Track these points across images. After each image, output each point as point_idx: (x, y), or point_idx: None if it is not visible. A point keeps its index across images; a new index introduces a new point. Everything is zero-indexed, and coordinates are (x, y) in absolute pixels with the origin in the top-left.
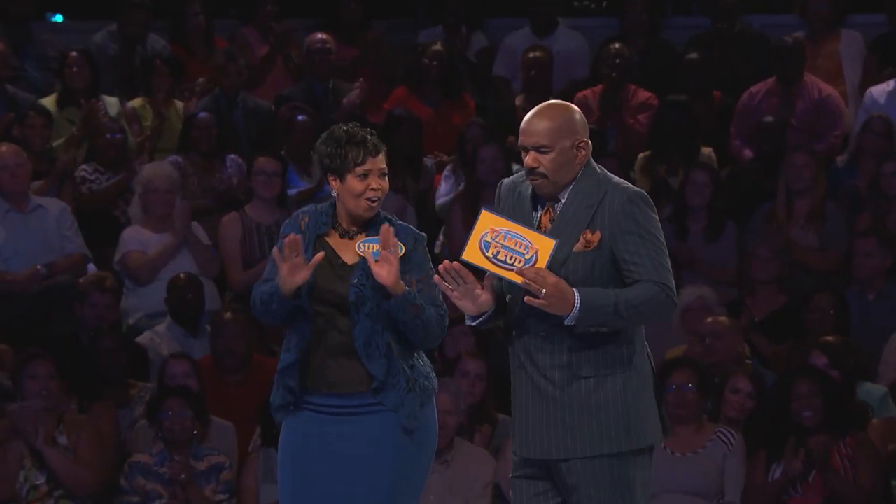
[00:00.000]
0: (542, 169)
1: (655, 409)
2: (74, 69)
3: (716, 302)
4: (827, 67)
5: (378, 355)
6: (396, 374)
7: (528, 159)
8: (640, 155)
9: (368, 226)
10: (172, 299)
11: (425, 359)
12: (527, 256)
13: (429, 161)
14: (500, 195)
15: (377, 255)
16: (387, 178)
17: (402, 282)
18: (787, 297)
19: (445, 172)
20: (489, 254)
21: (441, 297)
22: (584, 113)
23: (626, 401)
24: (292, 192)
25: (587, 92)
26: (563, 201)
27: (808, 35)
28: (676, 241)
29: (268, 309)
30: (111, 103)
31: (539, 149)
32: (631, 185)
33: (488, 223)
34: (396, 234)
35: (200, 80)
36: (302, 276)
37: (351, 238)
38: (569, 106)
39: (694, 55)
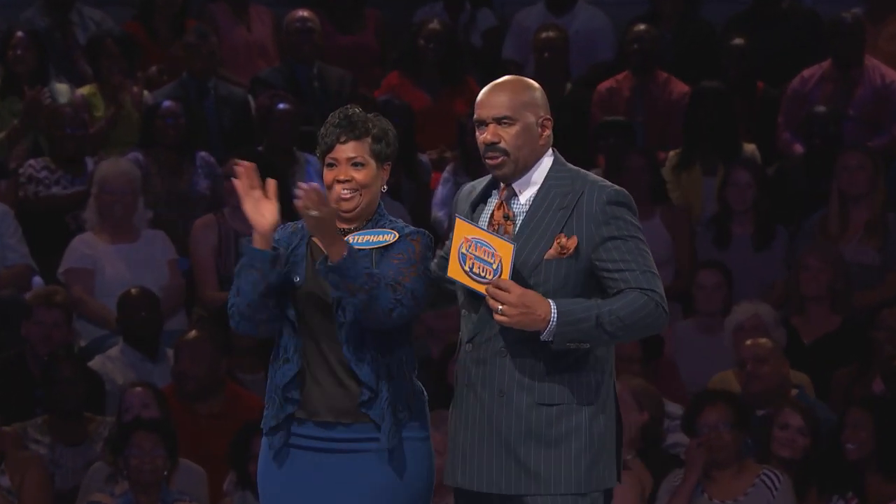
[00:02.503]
0: (503, 144)
1: (618, 447)
2: (18, 52)
3: (774, 321)
4: (890, 49)
5: (369, 358)
6: (380, 383)
7: (487, 134)
8: (672, 152)
9: (368, 225)
10: (124, 318)
11: (415, 378)
12: (493, 266)
13: (424, 158)
14: (458, 199)
15: (367, 244)
16: (363, 168)
17: (339, 239)
18: (842, 317)
19: (445, 175)
20: (466, 267)
21: (410, 284)
22: (609, 104)
23: (591, 435)
24: None
25: (611, 82)
26: (523, 196)
27: (867, 12)
28: (716, 250)
29: (248, 289)
30: (61, 91)
31: (500, 120)
32: (609, 184)
33: (462, 232)
34: (394, 229)
35: (153, 67)
36: (270, 209)
37: (344, 235)
38: (529, 80)
39: (734, 37)
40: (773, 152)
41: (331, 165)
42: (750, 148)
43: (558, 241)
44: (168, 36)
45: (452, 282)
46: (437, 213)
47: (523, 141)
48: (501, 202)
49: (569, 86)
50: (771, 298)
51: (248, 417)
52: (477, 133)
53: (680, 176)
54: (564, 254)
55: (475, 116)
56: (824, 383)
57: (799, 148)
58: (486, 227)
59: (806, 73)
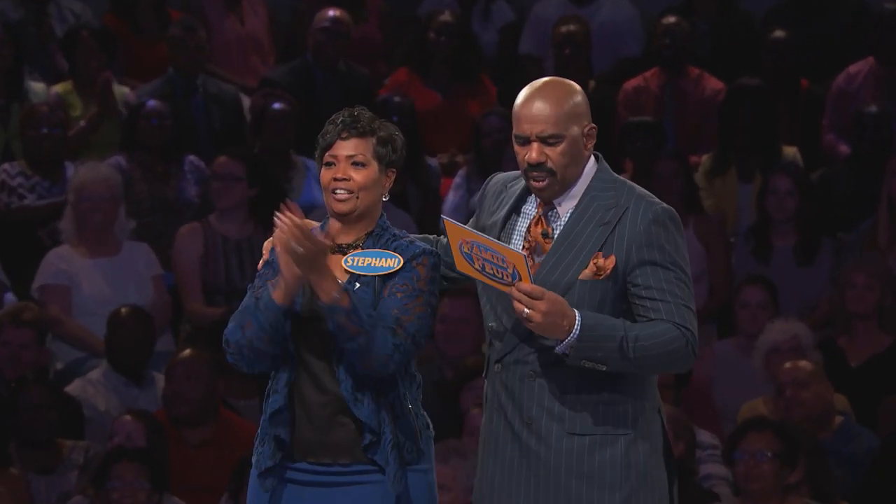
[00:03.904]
0: (550, 164)
1: (665, 484)
2: None
3: (812, 343)
4: None
5: (367, 399)
6: (383, 424)
7: (533, 153)
8: (705, 156)
9: (368, 241)
10: (113, 341)
11: (420, 411)
12: (509, 270)
13: (433, 161)
14: (486, 193)
15: (369, 269)
16: (363, 169)
17: (335, 284)
18: (892, 337)
19: (456, 180)
20: (477, 267)
21: (413, 325)
22: (636, 103)
23: (628, 467)
24: None
25: (638, 79)
26: (563, 209)
27: None
28: (754, 264)
29: (251, 332)
30: (37, 90)
31: (546, 139)
32: (657, 200)
33: (457, 235)
34: (398, 251)
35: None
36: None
37: (343, 253)
38: (571, 84)
39: (775, 29)
40: (817, 156)
41: (329, 164)
42: (791, 151)
43: (595, 260)
44: (152, 29)
45: (463, 276)
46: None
47: (570, 158)
48: (539, 217)
49: (592, 83)
50: (814, 317)
51: (241, 448)
52: (517, 147)
53: (714, 182)
54: (601, 275)
55: (515, 131)
56: (871, 409)
57: (845, 151)
58: (495, 239)
59: (852, 69)
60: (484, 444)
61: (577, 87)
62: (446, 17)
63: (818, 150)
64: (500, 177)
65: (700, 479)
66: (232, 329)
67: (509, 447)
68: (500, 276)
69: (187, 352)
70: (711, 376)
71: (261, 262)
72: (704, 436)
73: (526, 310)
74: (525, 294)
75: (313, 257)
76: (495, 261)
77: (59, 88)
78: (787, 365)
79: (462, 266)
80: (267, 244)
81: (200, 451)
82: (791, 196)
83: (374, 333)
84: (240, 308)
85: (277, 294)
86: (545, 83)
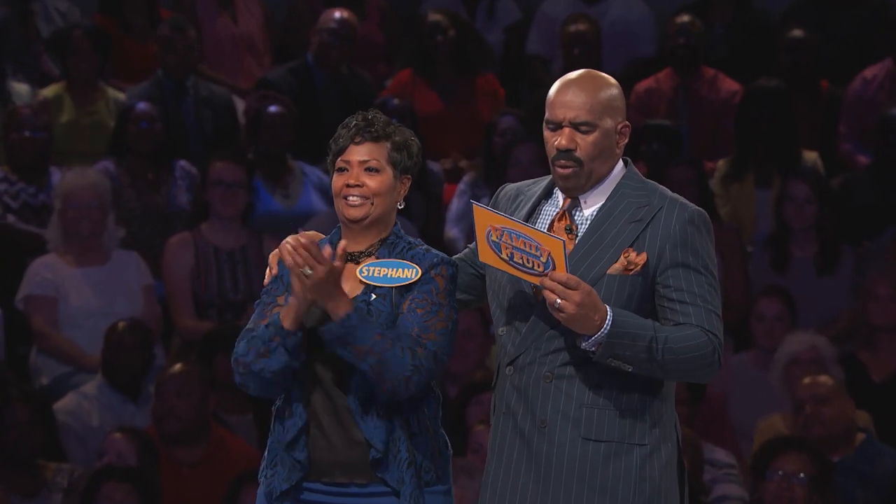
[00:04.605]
0: (578, 153)
1: (678, 496)
2: None
3: (834, 356)
4: None
5: (376, 416)
6: (398, 442)
7: (563, 139)
8: (721, 161)
9: (382, 249)
10: (110, 356)
11: (440, 429)
12: (542, 259)
13: (435, 166)
14: (497, 202)
15: (385, 280)
16: (378, 175)
17: (342, 297)
18: None
19: (461, 186)
20: (504, 256)
21: (435, 343)
22: (648, 106)
23: (642, 480)
24: None
25: (650, 81)
26: (588, 205)
27: None
28: (773, 274)
29: (264, 359)
30: (20, 91)
31: (579, 126)
32: (688, 202)
33: (486, 220)
34: (414, 260)
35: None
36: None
37: (356, 262)
38: (609, 77)
39: (793, 27)
40: (838, 161)
41: (341, 170)
42: (811, 156)
43: (626, 255)
44: (142, 29)
45: (483, 268)
46: (452, 232)
47: (600, 151)
48: (563, 212)
49: None
50: (834, 330)
51: (234, 466)
52: (547, 133)
53: (730, 189)
54: (631, 270)
55: (548, 116)
56: (894, 427)
57: (862, 161)
58: (521, 220)
59: (867, 73)
60: (490, 453)
61: (613, 80)
62: (450, 16)
63: (839, 156)
64: (512, 185)
65: (713, 499)
66: (243, 351)
67: (516, 452)
68: (530, 265)
69: (178, 367)
70: (726, 392)
71: (267, 275)
72: (720, 454)
73: (558, 300)
74: (560, 283)
75: (325, 280)
76: (528, 248)
77: (49, 91)
78: (807, 380)
79: (486, 256)
80: (273, 257)
81: (193, 470)
82: (809, 203)
83: (391, 353)
84: (254, 334)
85: (287, 319)
86: (582, 73)
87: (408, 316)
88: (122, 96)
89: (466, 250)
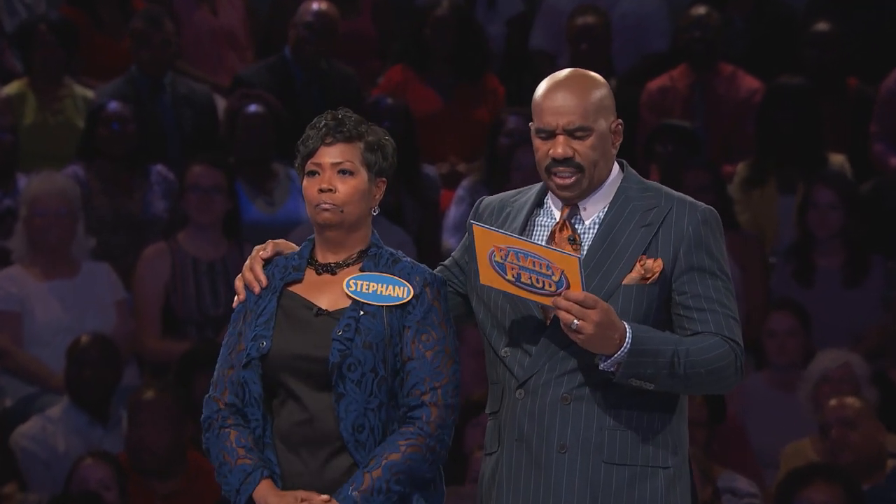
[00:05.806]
0: (578, 159)
1: None
2: None
3: (867, 375)
4: None
5: (372, 443)
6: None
7: (559, 147)
8: (741, 164)
9: (366, 262)
10: (73, 373)
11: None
12: (554, 278)
13: (431, 170)
14: (479, 215)
15: (375, 298)
16: (351, 178)
17: None
18: None
19: (459, 192)
20: (509, 277)
21: (448, 384)
22: (661, 105)
23: None
24: None
25: (664, 78)
26: (588, 213)
27: None
28: (796, 287)
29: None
30: None
31: (574, 132)
32: (696, 201)
33: (488, 241)
34: (402, 275)
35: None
36: None
37: (332, 273)
38: (596, 76)
39: (818, 21)
40: (868, 164)
41: (312, 174)
42: (838, 160)
43: (641, 263)
44: (115, 22)
45: (464, 286)
46: (449, 241)
47: (599, 154)
48: (564, 222)
49: (613, 83)
50: (863, 347)
51: (213, 495)
52: (538, 143)
53: (750, 195)
54: (649, 279)
55: (537, 124)
56: None
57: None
58: (529, 239)
59: None
60: (496, 486)
61: (601, 78)
62: (447, 9)
63: (869, 159)
64: (492, 198)
65: None
66: (206, 424)
67: (532, 483)
68: (539, 285)
69: (150, 393)
70: (744, 414)
71: (235, 300)
72: (742, 483)
73: (576, 321)
74: (577, 303)
75: None
76: (537, 268)
77: (10, 89)
78: (833, 402)
79: (489, 278)
80: (238, 283)
81: (168, 502)
82: (835, 210)
83: (417, 473)
84: (221, 444)
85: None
86: (569, 74)
87: (417, 364)
88: (90, 94)
89: (441, 267)
